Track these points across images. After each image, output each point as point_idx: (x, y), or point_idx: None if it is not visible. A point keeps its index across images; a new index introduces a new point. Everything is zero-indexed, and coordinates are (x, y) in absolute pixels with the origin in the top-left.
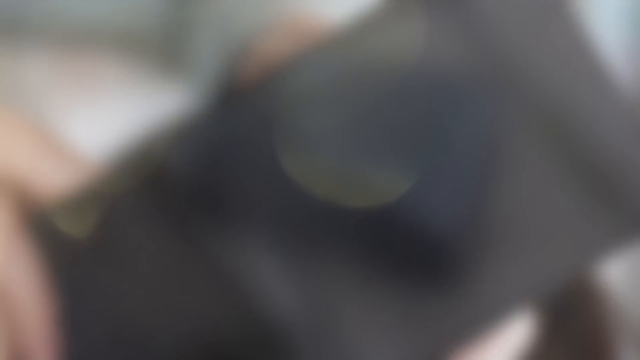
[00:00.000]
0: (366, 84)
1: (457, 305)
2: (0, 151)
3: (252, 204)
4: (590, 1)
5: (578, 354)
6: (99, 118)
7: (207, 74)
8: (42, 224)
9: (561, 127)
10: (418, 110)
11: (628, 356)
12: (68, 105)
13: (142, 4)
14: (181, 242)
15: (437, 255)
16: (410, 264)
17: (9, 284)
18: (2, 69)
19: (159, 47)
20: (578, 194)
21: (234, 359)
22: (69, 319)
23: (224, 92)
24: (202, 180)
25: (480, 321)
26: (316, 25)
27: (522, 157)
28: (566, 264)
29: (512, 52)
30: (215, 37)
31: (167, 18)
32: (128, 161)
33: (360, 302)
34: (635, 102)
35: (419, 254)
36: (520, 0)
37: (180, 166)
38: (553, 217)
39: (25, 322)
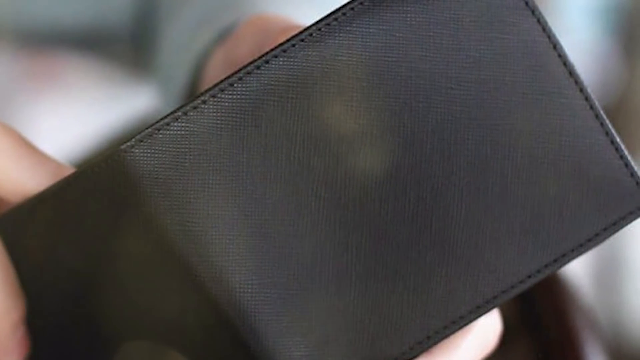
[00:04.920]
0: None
1: (426, 304)
2: None
3: (213, 201)
4: (558, 1)
5: (543, 344)
6: (64, 118)
7: (173, 75)
8: (9, 226)
9: (530, 126)
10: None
11: (591, 347)
12: (34, 105)
13: (109, 6)
14: (144, 241)
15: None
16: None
17: None
18: None
19: (125, 48)
20: (550, 190)
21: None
22: (31, 319)
23: (189, 91)
24: (164, 178)
25: (452, 320)
26: (279, 26)
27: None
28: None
29: (477, 51)
30: (181, 39)
31: (133, 20)
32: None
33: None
34: (600, 98)
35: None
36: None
37: (143, 164)
38: (527, 215)
39: None
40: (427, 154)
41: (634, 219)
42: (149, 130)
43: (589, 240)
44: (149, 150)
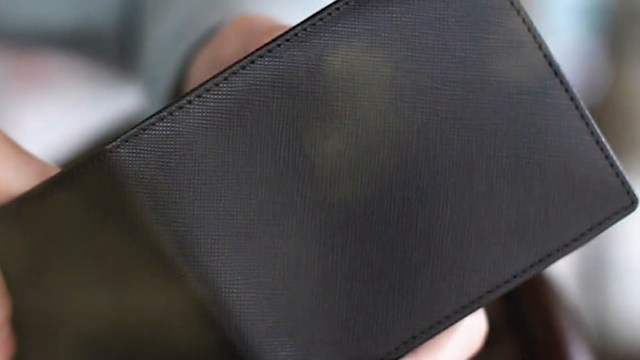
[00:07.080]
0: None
1: (411, 305)
2: None
3: (201, 201)
4: (543, 1)
5: (528, 344)
6: (49, 117)
7: (159, 75)
8: None
9: (516, 126)
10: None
11: (577, 347)
12: (19, 104)
13: (94, 6)
14: (130, 241)
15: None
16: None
17: None
18: None
19: (110, 48)
20: (535, 190)
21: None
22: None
23: (175, 91)
24: (150, 178)
25: (436, 321)
26: (264, 26)
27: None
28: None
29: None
30: (166, 38)
31: (118, 20)
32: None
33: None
34: (586, 98)
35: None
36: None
37: (129, 164)
38: (511, 216)
39: None
40: (413, 154)
41: (620, 219)
42: (135, 130)
43: (575, 240)
44: (134, 150)
